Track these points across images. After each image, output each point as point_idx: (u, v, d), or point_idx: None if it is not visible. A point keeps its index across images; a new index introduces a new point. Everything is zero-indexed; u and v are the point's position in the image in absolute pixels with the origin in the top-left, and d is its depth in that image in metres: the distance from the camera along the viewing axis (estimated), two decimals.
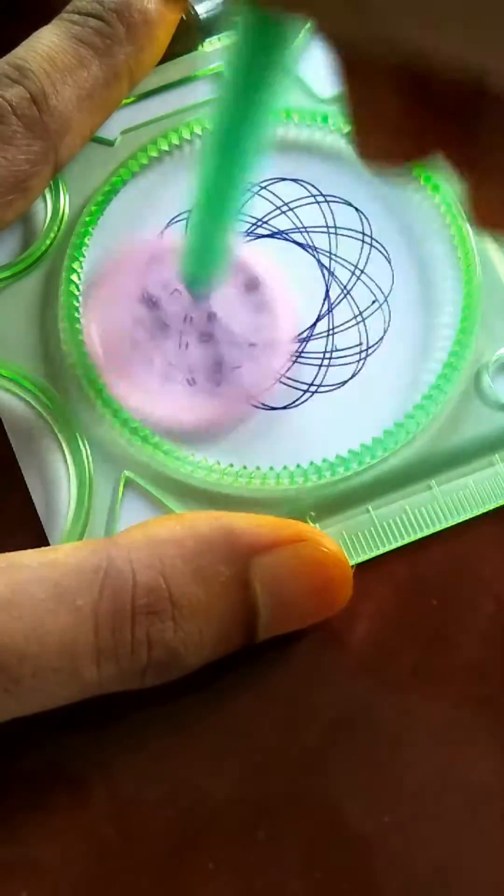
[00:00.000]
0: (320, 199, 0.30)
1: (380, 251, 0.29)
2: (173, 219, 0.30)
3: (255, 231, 0.29)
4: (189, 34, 0.30)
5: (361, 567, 0.26)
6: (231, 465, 0.27)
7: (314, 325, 0.29)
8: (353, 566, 0.26)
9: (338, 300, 0.29)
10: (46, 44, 0.27)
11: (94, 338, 0.28)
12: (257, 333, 0.28)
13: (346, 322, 0.29)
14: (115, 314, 0.28)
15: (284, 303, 0.28)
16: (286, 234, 0.29)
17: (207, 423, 0.28)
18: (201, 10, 0.31)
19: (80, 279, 0.29)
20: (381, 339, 0.28)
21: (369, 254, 0.29)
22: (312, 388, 0.28)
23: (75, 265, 0.29)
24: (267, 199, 0.30)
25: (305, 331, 0.28)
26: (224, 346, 0.28)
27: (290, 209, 0.30)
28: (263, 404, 0.28)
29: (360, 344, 0.28)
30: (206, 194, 0.23)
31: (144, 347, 0.28)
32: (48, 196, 0.29)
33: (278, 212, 0.30)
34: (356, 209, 0.30)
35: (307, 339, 0.28)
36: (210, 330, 0.28)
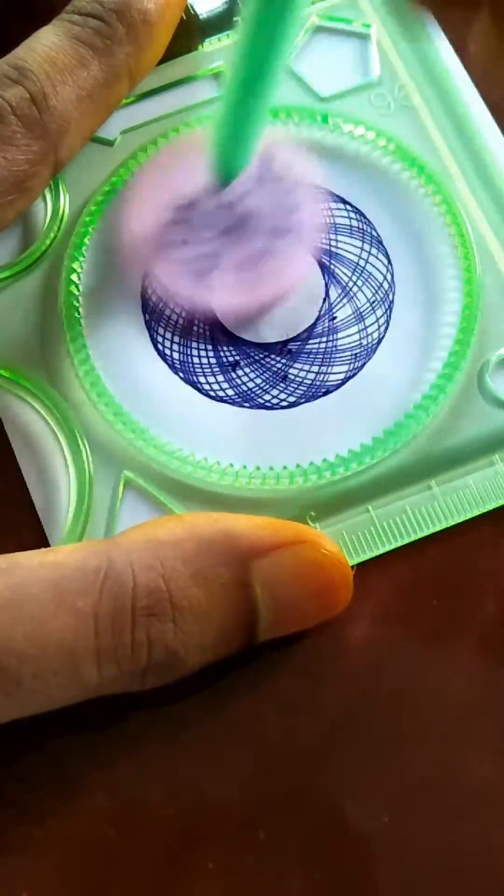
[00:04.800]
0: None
1: (380, 251, 0.29)
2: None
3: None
4: (189, 34, 0.31)
5: (361, 567, 0.26)
6: (231, 465, 0.27)
7: (314, 325, 0.29)
8: (353, 566, 0.26)
9: (338, 300, 0.29)
10: (46, 44, 0.27)
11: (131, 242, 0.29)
12: (288, 219, 0.29)
13: (346, 322, 0.29)
14: (149, 221, 0.29)
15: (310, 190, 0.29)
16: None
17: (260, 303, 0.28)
18: (201, 10, 0.31)
19: (79, 279, 0.29)
20: (382, 338, 0.28)
21: (369, 253, 0.29)
22: (313, 388, 0.28)
23: (75, 265, 0.29)
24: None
25: (305, 331, 0.28)
26: (256, 233, 0.28)
27: None
28: (264, 404, 0.28)
29: (361, 344, 0.28)
30: (238, 84, 0.25)
31: (180, 248, 0.28)
32: (48, 196, 0.29)
33: None
34: (356, 209, 0.30)
35: (307, 339, 0.28)
36: (242, 219, 0.28)
